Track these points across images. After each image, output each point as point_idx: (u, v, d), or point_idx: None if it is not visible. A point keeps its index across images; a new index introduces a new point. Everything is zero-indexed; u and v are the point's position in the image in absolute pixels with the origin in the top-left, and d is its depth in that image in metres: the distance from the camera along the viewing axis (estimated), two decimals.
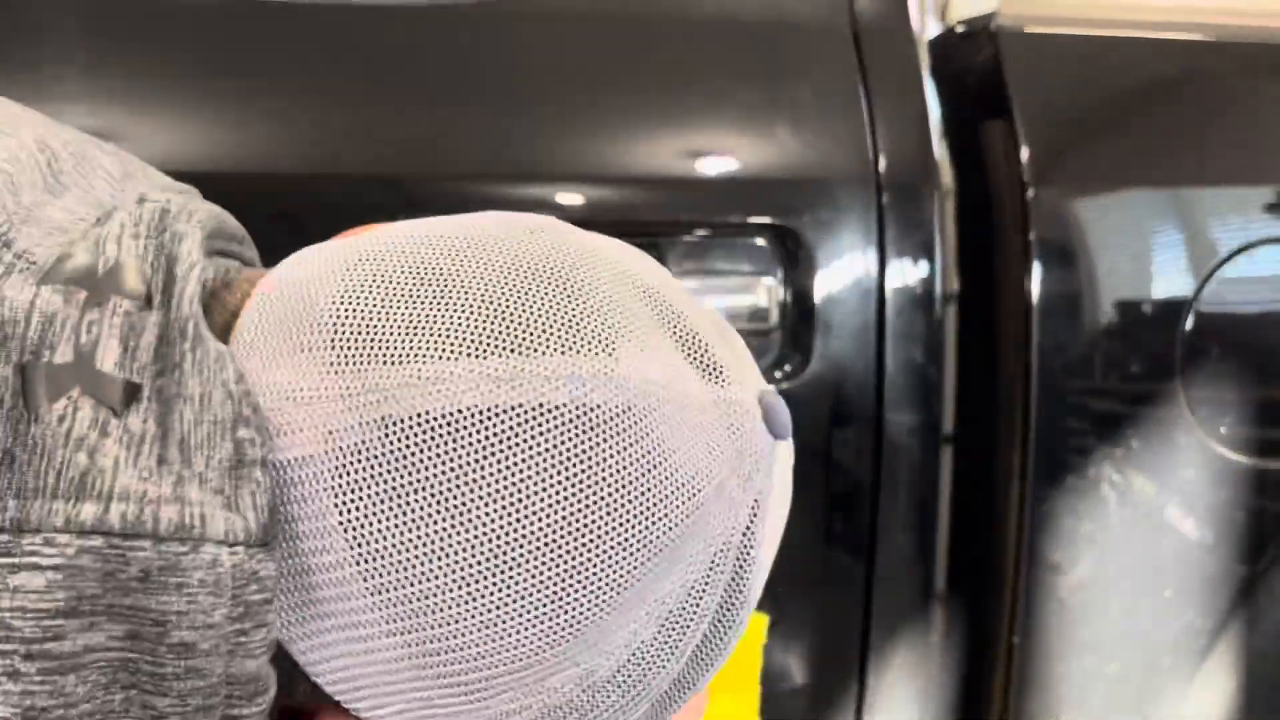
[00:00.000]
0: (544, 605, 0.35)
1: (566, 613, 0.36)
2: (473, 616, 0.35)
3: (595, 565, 0.35)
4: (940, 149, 0.85)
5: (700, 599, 0.39)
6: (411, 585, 0.35)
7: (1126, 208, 0.90)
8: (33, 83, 0.70)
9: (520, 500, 0.34)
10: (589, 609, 0.36)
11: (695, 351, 0.39)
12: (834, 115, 0.82)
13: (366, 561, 0.35)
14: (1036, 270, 0.86)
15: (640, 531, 0.36)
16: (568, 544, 0.35)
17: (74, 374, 0.33)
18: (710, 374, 0.39)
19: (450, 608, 0.35)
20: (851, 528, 0.86)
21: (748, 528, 0.40)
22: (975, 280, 0.89)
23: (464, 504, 0.34)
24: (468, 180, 0.77)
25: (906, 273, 0.83)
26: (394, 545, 0.35)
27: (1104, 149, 0.91)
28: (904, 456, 0.85)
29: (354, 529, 0.35)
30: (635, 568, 0.36)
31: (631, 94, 0.80)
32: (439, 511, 0.34)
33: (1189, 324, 0.89)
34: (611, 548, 0.35)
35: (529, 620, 0.35)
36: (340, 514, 0.35)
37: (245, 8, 0.74)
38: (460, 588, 0.35)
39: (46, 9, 0.71)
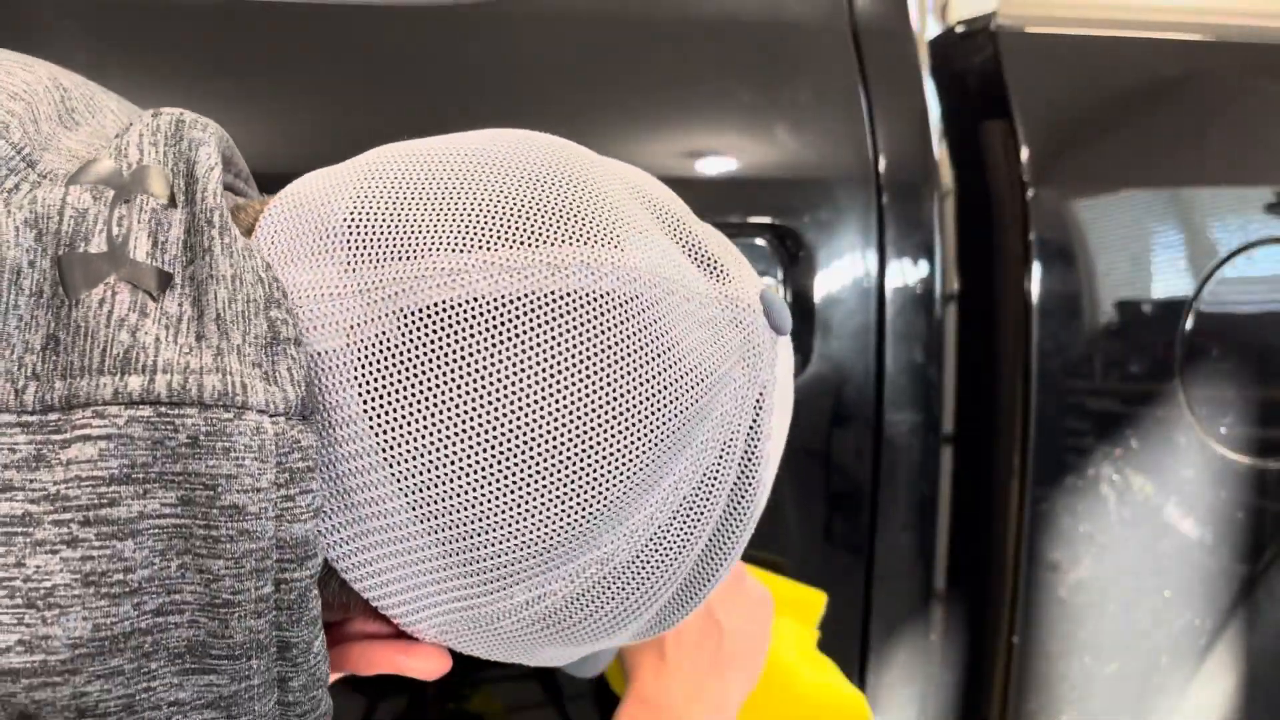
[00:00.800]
0: (561, 484, 0.37)
1: (584, 492, 0.37)
2: (494, 498, 0.36)
3: (609, 444, 0.37)
4: (940, 149, 0.85)
5: (712, 486, 0.41)
6: (434, 469, 0.36)
7: (1126, 208, 0.90)
8: None
9: (534, 383, 0.36)
10: (606, 488, 0.37)
11: (695, 251, 0.41)
12: (834, 115, 0.82)
13: (390, 449, 0.36)
14: (1036, 270, 0.86)
15: (651, 413, 0.37)
16: (581, 424, 0.36)
17: (109, 262, 0.35)
18: (711, 271, 0.41)
19: (471, 490, 0.36)
20: (851, 528, 0.86)
21: (754, 419, 0.41)
22: (975, 280, 0.89)
23: (480, 388, 0.36)
24: None
25: (906, 273, 0.83)
26: (416, 431, 0.36)
27: (1104, 149, 0.91)
28: (904, 456, 0.85)
29: (377, 417, 0.36)
30: (648, 448, 0.37)
31: (631, 94, 0.80)
32: (456, 396, 0.36)
33: (1189, 324, 0.89)
34: (624, 428, 0.37)
35: (548, 500, 0.37)
36: (364, 403, 0.36)
37: (244, 7, 0.74)
38: (480, 469, 0.36)
39: (46, 9, 0.71)
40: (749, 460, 0.42)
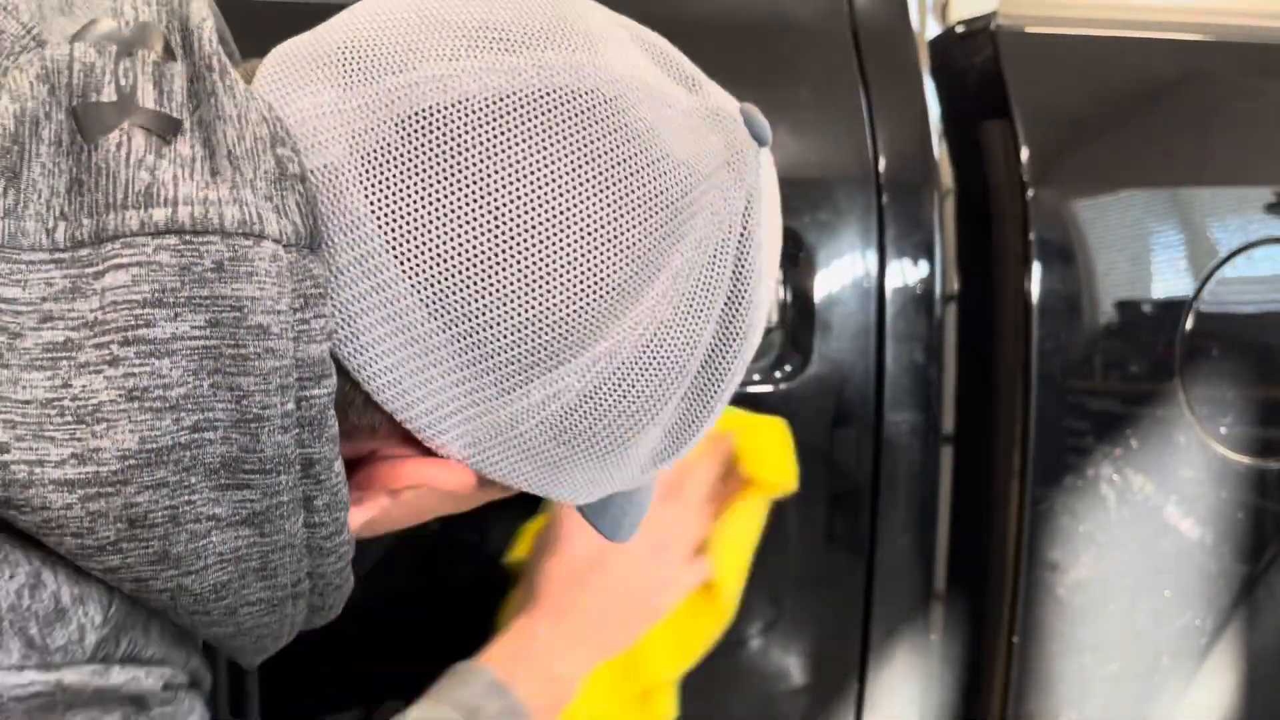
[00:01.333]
0: (562, 269, 0.39)
1: (585, 276, 0.39)
2: (500, 284, 0.39)
3: (605, 229, 0.39)
4: (940, 149, 0.85)
5: (709, 287, 0.43)
6: (442, 262, 0.39)
7: (1126, 208, 0.90)
8: None
9: (527, 172, 0.39)
10: (606, 272, 0.40)
11: (675, 70, 0.45)
12: (834, 115, 0.82)
13: (399, 246, 0.38)
14: (1036, 270, 0.86)
15: (643, 201, 0.40)
16: (576, 210, 0.39)
17: (121, 110, 0.37)
18: (691, 87, 0.44)
19: (479, 278, 0.39)
20: (851, 528, 0.86)
21: (745, 225, 0.44)
22: (975, 280, 0.89)
23: (478, 180, 0.38)
24: None
25: (906, 273, 0.83)
26: (421, 224, 0.38)
27: (1104, 149, 0.91)
28: (904, 456, 0.85)
29: (383, 216, 0.38)
30: (643, 236, 0.40)
31: None
32: (457, 189, 0.38)
33: (1189, 324, 0.89)
34: (618, 215, 0.40)
35: (552, 285, 0.39)
36: (370, 205, 0.38)
37: (245, 7, 0.74)
38: (484, 256, 0.39)
39: None
40: (742, 266, 0.44)
